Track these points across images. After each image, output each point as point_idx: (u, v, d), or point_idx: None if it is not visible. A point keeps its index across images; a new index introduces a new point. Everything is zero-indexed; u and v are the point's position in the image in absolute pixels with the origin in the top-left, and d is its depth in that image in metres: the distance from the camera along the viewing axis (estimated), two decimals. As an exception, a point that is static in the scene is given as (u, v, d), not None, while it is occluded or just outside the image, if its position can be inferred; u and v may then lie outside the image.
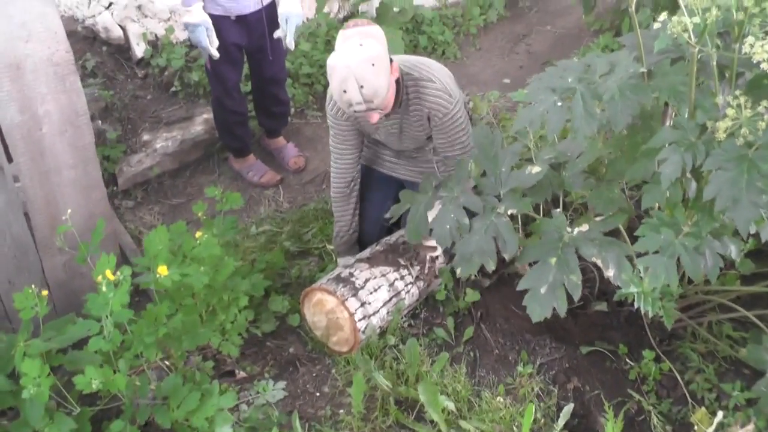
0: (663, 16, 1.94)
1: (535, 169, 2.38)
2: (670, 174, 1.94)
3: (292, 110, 3.95)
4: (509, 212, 2.34)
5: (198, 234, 2.45)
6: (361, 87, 2.27)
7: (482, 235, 2.32)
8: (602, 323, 2.66)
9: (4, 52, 2.28)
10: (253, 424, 2.38)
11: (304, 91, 4.04)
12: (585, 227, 2.29)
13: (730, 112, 1.84)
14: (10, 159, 2.43)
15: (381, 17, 4.33)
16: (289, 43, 3.25)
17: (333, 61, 2.30)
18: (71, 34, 3.85)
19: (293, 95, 3.96)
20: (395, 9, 4.27)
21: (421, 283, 2.80)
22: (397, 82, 2.47)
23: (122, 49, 3.92)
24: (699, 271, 1.99)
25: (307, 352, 2.70)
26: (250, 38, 3.29)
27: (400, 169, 2.91)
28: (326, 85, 4.08)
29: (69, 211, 2.41)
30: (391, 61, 2.41)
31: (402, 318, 2.73)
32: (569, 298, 2.14)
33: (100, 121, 3.50)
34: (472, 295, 2.77)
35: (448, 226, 2.38)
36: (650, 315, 2.03)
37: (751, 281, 2.50)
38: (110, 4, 3.85)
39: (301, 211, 3.40)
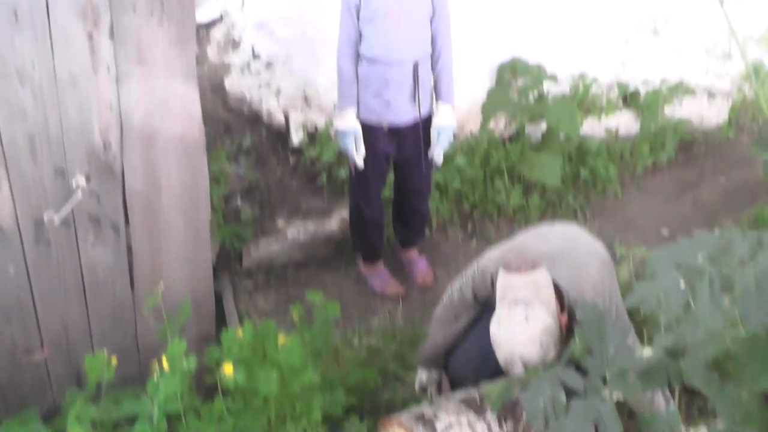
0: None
1: (647, 351, 2.07)
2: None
3: (434, 224, 3.87)
4: (615, 398, 2.04)
5: (281, 339, 2.38)
6: (526, 363, 2.07)
7: (581, 419, 2.03)
8: None
9: (142, 124, 2.39)
10: None
11: (450, 206, 3.93)
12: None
13: None
14: (128, 221, 2.54)
15: (546, 142, 4.19)
16: (437, 157, 3.20)
17: (497, 336, 2.11)
18: (238, 114, 4.08)
19: (437, 209, 3.87)
20: (561, 135, 4.12)
21: (511, 442, 2.53)
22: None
23: (281, 134, 4.05)
24: None
25: (371, 486, 2.52)
26: (400, 149, 3.26)
27: None
28: (473, 204, 3.98)
29: (161, 284, 2.45)
30: (562, 307, 2.19)
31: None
32: None
33: (239, 200, 3.61)
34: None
35: (541, 401, 2.12)
36: None
37: None
38: (279, 91, 4.02)
39: (415, 331, 3.25)
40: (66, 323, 2.56)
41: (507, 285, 2.14)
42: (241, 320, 3.21)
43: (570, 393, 2.04)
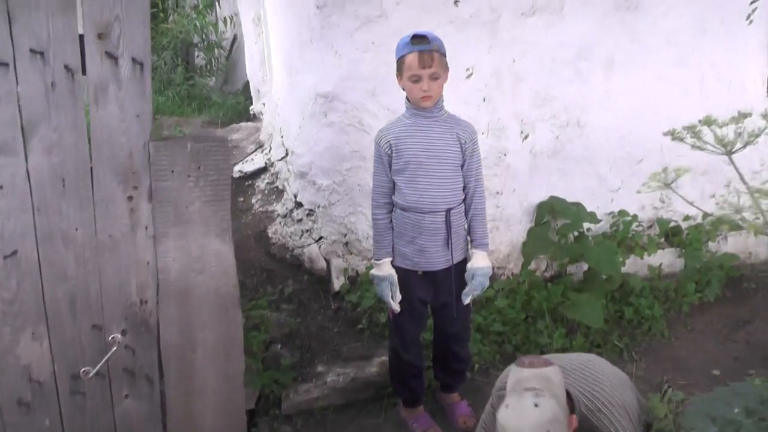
0: None
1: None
2: None
3: (476, 367, 3.82)
4: None
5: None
6: None
7: None
8: None
9: (177, 280, 2.50)
10: None
11: (492, 348, 3.90)
12: None
13: None
14: (162, 374, 2.59)
15: (587, 282, 4.17)
16: (464, 298, 3.22)
17: (504, 420, 2.12)
18: (280, 261, 4.20)
19: (479, 351, 3.83)
20: (603, 276, 4.09)
21: None
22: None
23: (323, 280, 4.14)
24: None
25: None
26: (436, 294, 3.29)
27: None
28: (516, 345, 3.94)
29: (192, 438, 2.48)
30: (572, 410, 2.24)
31: None
32: None
33: (279, 346, 3.65)
34: None
35: None
36: None
37: None
38: (320, 238, 4.14)
39: (454, 476, 3.16)
40: (99, 475, 2.59)
41: (519, 378, 2.17)
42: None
43: None
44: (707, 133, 1.85)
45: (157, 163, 2.38)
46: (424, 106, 3.05)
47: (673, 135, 1.85)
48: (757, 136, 1.76)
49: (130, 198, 2.39)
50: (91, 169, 2.32)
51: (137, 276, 2.46)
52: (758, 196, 1.68)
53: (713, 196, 4.61)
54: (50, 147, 2.26)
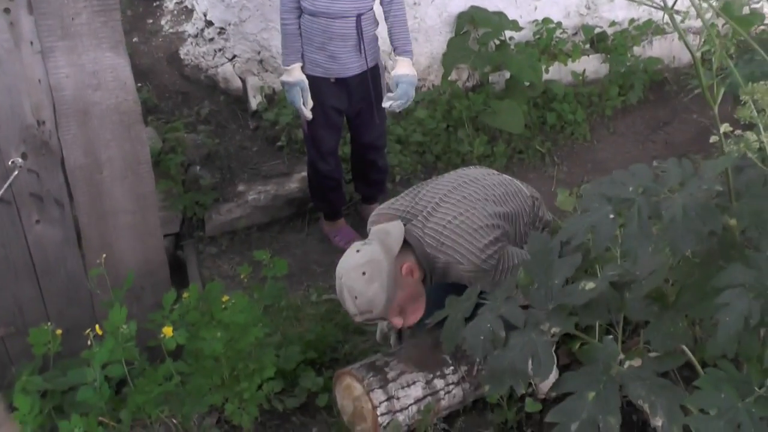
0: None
1: (590, 285, 2.06)
2: (730, 325, 1.60)
3: (397, 178, 3.86)
4: (552, 331, 2.04)
5: (225, 298, 2.40)
6: (355, 298, 2.20)
7: (517, 352, 2.03)
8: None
9: (74, 98, 2.39)
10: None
11: (412, 159, 3.92)
12: (637, 362, 1.95)
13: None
14: (71, 198, 2.54)
15: (509, 90, 4.16)
16: (397, 108, 3.17)
17: (337, 267, 2.30)
18: (195, 82, 4.06)
19: (399, 162, 3.85)
20: (525, 83, 4.08)
21: (467, 385, 2.55)
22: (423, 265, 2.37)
23: (240, 100, 4.04)
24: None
25: (328, 437, 2.55)
26: (350, 102, 3.24)
27: None
28: (437, 155, 3.97)
29: (104, 256, 2.46)
30: (416, 258, 2.34)
31: (437, 420, 2.50)
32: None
33: (198, 167, 3.61)
34: (531, 406, 2.45)
35: (482, 337, 2.12)
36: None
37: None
38: (234, 56, 3.99)
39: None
40: (19, 301, 2.58)
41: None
42: (204, 286, 3.23)
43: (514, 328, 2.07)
44: None
45: (32, -30, 2.20)
46: None
47: None
48: None
49: (6, 10, 2.21)
50: (-47, -22, 2.12)
51: (30, 96, 2.33)
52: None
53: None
54: None
